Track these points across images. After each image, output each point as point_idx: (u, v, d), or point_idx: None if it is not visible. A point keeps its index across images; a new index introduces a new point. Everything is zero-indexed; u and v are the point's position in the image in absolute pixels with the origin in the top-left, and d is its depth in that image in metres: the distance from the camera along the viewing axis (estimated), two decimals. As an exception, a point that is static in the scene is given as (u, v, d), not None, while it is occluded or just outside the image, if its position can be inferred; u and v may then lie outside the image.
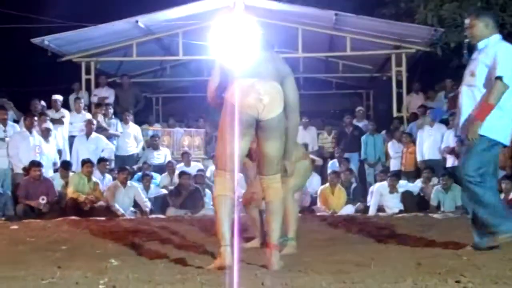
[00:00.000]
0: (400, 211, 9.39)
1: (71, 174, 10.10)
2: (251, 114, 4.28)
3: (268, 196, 4.46)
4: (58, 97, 11.49)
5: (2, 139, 9.84)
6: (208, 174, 10.88)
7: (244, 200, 5.75)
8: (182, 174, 10.06)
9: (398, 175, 10.33)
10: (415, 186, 10.02)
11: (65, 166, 10.26)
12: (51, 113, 11.16)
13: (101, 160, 10.37)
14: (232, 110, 4.28)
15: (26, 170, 9.58)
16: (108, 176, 10.40)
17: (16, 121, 10.66)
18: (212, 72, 4.71)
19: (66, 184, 9.90)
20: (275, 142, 4.37)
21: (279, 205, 4.42)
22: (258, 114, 4.29)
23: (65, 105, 12.19)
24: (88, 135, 10.89)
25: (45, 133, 10.19)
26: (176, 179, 10.44)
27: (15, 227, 7.54)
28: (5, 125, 10.00)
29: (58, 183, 9.90)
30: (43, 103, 11.34)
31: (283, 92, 4.39)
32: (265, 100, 4.27)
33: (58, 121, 11.07)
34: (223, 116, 4.39)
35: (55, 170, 10.39)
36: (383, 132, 11.94)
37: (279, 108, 4.33)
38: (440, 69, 13.81)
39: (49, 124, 10.43)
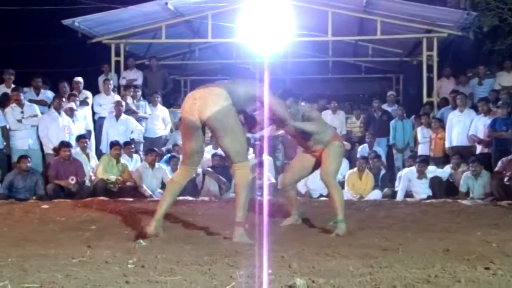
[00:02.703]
0: (429, 197, 9.30)
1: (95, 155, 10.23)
2: (192, 119, 4.97)
3: (234, 179, 5.27)
4: (80, 79, 11.47)
5: (20, 121, 9.88)
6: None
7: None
8: (214, 155, 10.15)
9: (426, 160, 10.20)
10: (444, 172, 9.90)
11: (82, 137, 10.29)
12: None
13: (126, 143, 10.33)
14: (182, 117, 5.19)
15: (56, 150, 9.70)
16: (136, 157, 10.47)
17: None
18: None
19: (87, 158, 10.03)
20: (223, 139, 5.00)
21: (242, 188, 5.01)
22: (197, 117, 4.92)
23: (94, 86, 12.28)
24: (117, 116, 10.91)
25: (69, 113, 10.22)
26: (203, 161, 10.56)
27: (46, 206, 7.67)
28: (21, 106, 9.96)
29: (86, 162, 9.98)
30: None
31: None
32: (197, 104, 4.91)
33: (83, 102, 11.14)
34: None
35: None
36: (412, 117, 11.80)
37: (213, 107, 4.89)
38: (472, 54, 13.58)
39: (72, 104, 10.43)
